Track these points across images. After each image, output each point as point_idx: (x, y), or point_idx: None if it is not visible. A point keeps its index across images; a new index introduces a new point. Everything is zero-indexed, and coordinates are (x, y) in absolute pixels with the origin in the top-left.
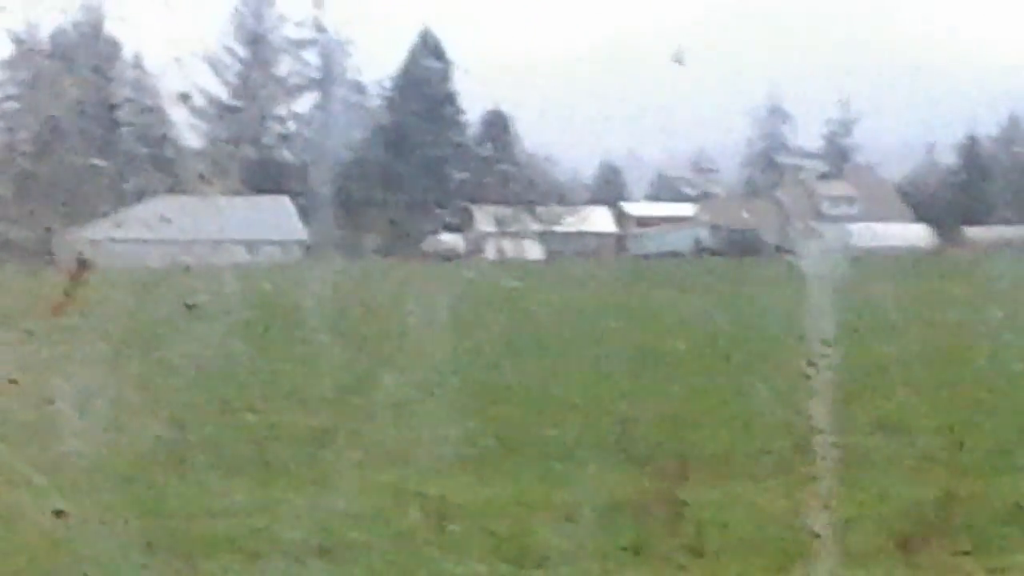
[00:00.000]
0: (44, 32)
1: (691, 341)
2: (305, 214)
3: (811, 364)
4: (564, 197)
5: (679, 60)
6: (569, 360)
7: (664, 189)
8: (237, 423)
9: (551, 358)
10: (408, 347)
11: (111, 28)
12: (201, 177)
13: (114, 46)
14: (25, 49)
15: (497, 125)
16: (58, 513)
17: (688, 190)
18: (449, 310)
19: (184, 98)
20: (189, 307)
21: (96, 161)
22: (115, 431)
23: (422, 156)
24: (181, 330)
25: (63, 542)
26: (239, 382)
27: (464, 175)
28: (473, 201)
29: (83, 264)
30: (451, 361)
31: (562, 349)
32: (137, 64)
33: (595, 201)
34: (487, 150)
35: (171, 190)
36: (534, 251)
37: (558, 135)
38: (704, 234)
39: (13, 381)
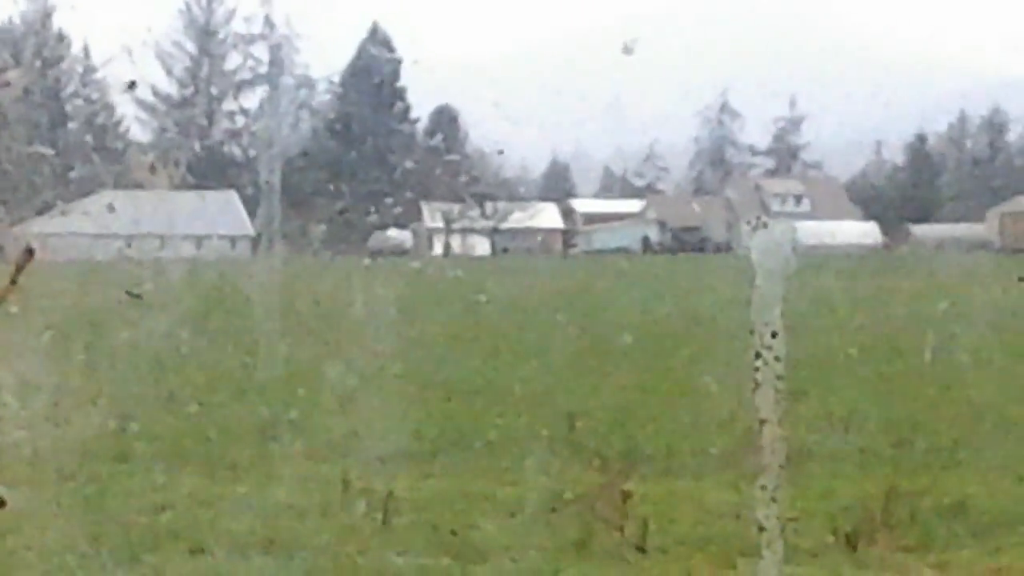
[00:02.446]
0: None
1: (637, 335)
2: (253, 208)
3: (758, 357)
4: (512, 193)
5: (628, 51)
6: (515, 354)
7: (612, 186)
8: (181, 414)
9: (497, 352)
10: (352, 341)
11: (60, 20)
12: (151, 169)
13: (62, 39)
14: None
15: (446, 120)
16: None
17: (636, 186)
18: (394, 304)
19: (131, 86)
20: (133, 296)
21: (42, 150)
22: (58, 422)
23: (370, 151)
24: (125, 320)
25: (3, 533)
26: (184, 373)
27: (412, 170)
28: (421, 196)
29: (29, 253)
30: (395, 354)
31: (507, 343)
32: (85, 57)
33: (543, 197)
34: (436, 145)
35: (118, 184)
36: (482, 247)
37: (507, 131)
38: (652, 231)
39: None
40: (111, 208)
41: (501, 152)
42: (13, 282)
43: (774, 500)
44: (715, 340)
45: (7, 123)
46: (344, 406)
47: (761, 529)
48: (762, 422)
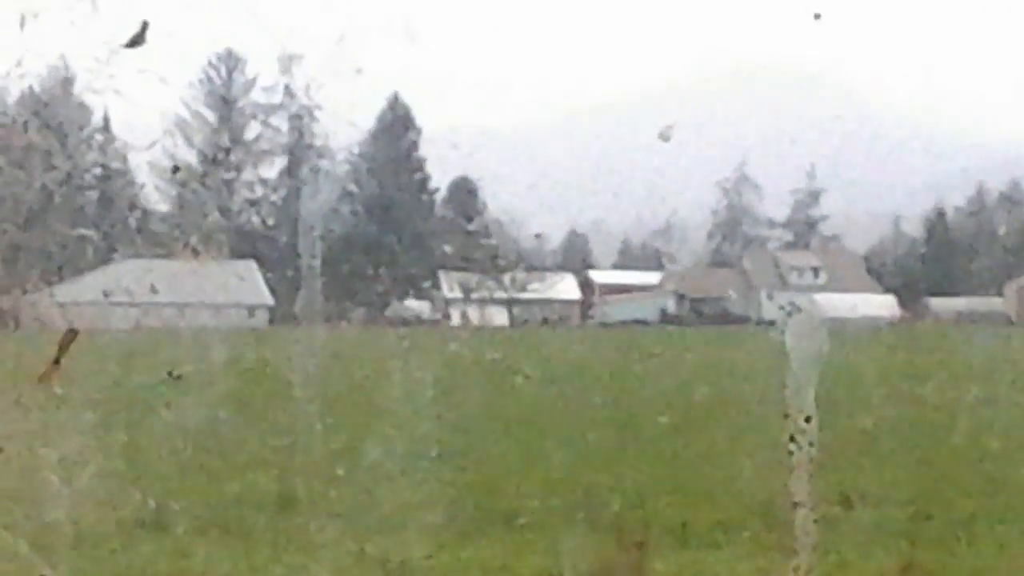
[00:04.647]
0: (12, 95)
1: (671, 415)
2: (271, 278)
3: (792, 441)
4: (530, 264)
5: (665, 138)
6: (544, 430)
7: (630, 258)
8: (216, 489)
9: (521, 426)
10: (391, 420)
11: (80, 91)
12: (194, 252)
13: (83, 109)
14: None
15: (464, 191)
16: None
17: (654, 258)
18: (432, 383)
19: (175, 171)
20: (174, 378)
21: (86, 232)
22: (98, 502)
23: (389, 222)
24: (167, 401)
25: None
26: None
27: (431, 241)
28: (439, 267)
29: (73, 333)
30: (433, 434)
31: (534, 418)
32: (105, 128)
33: (561, 268)
34: (454, 217)
35: (137, 254)
36: (500, 317)
37: (526, 203)
38: (670, 303)
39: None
40: (153, 290)
41: (539, 236)
42: (57, 361)
43: (793, 572)
44: (746, 420)
45: (52, 205)
46: (380, 484)
47: None
48: (795, 504)
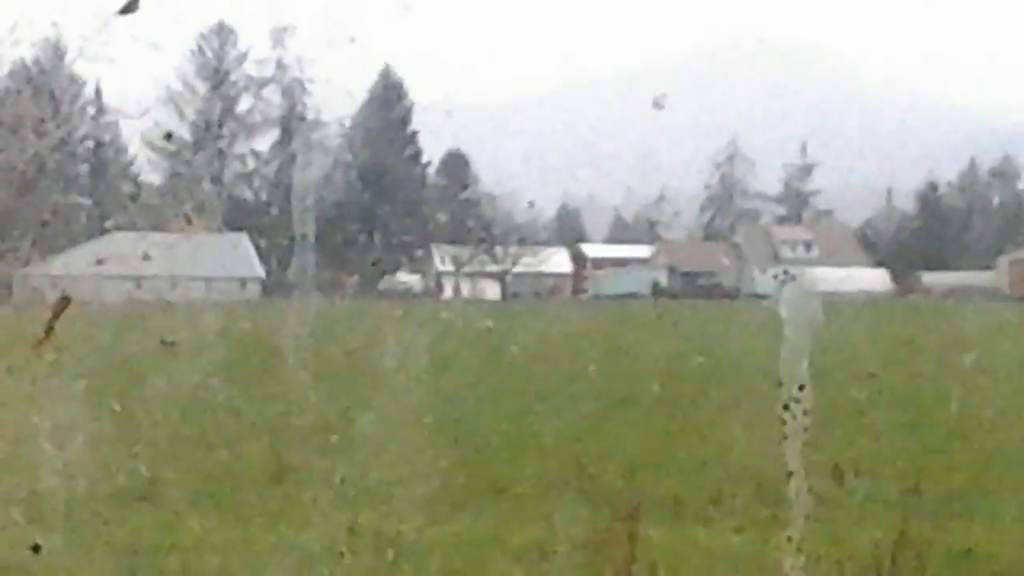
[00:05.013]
0: (4, 64)
1: (664, 385)
2: (263, 251)
3: (786, 409)
4: (523, 237)
5: (659, 105)
6: (537, 399)
7: (622, 231)
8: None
9: (514, 397)
10: (386, 390)
11: (73, 60)
12: (187, 219)
13: (75, 81)
14: None
15: (457, 164)
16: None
17: (646, 231)
18: (426, 353)
19: (167, 137)
20: (167, 344)
21: (81, 200)
22: (90, 468)
23: (381, 195)
24: (160, 368)
25: None
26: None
27: (424, 211)
28: (431, 240)
29: (65, 300)
30: (428, 404)
31: (527, 389)
32: (97, 99)
33: (554, 242)
34: (446, 186)
35: (130, 226)
36: (492, 291)
37: (519, 176)
38: (662, 276)
39: None
40: (147, 256)
41: (532, 204)
42: (50, 329)
43: (800, 551)
44: (739, 390)
45: (45, 173)
46: (374, 454)
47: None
48: (790, 474)
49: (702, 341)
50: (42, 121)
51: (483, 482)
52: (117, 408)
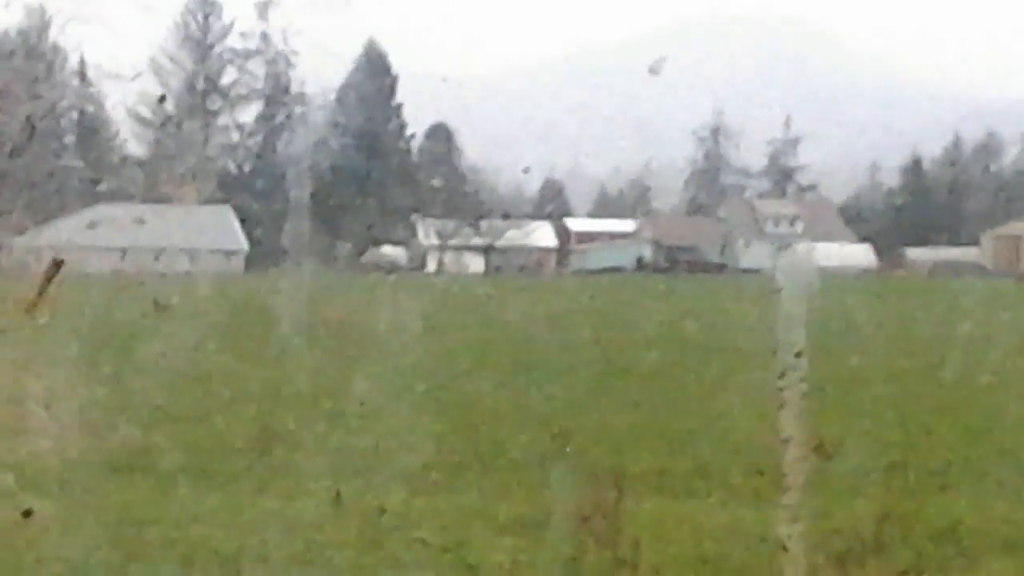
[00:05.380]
0: None
1: (659, 355)
2: (246, 223)
3: (782, 376)
4: (507, 211)
5: (655, 71)
6: (523, 372)
7: (606, 206)
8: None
9: (501, 369)
10: (380, 358)
11: (55, 34)
12: (181, 182)
13: (58, 52)
14: None
15: (441, 137)
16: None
17: (630, 206)
18: (420, 320)
19: (161, 99)
20: (160, 307)
21: (72, 163)
22: (83, 432)
23: (365, 168)
24: (154, 332)
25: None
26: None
27: (407, 187)
28: (415, 213)
29: (57, 265)
30: (420, 372)
31: (516, 361)
32: (81, 70)
33: (538, 216)
34: (430, 163)
35: (114, 197)
36: (475, 264)
37: (502, 150)
38: (646, 250)
39: None
40: (140, 221)
41: (527, 170)
42: (41, 293)
43: (796, 520)
44: (729, 362)
45: (36, 136)
46: (366, 422)
47: (784, 549)
48: (785, 441)
49: (694, 313)
50: (35, 81)
51: (470, 455)
52: (108, 371)
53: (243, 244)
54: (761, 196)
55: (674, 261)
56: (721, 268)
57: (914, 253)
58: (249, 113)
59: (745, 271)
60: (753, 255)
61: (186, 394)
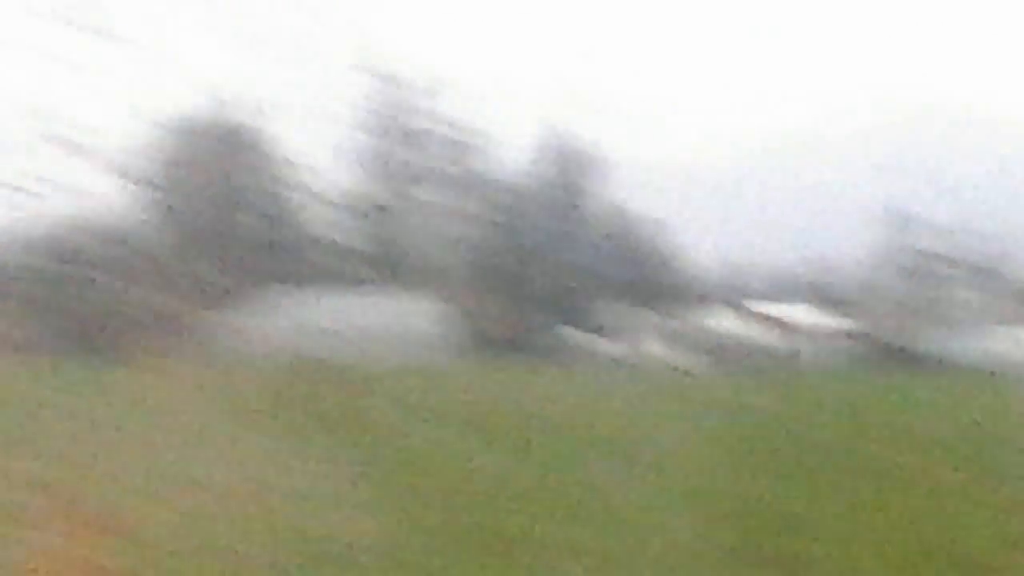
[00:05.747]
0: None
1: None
2: (435, 308)
3: None
4: (687, 296)
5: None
6: (806, 478)
7: (787, 290)
8: None
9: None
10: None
11: (241, 115)
12: (359, 269)
13: (254, 133)
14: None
15: (623, 223)
16: None
17: (814, 292)
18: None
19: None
20: None
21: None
22: None
23: (549, 252)
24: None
25: None
26: None
27: (590, 273)
28: (598, 298)
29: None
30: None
31: (781, 463)
32: (269, 152)
33: (715, 300)
34: (613, 247)
35: (300, 279)
36: (664, 352)
37: (681, 233)
38: (859, 344)
39: None
40: (299, 305)
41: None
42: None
43: None
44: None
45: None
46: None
47: None
48: None
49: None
50: (229, 177)
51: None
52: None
53: (433, 329)
54: (950, 283)
55: (889, 353)
56: (932, 362)
57: None
58: (429, 193)
59: (961, 365)
60: (965, 348)
61: None
